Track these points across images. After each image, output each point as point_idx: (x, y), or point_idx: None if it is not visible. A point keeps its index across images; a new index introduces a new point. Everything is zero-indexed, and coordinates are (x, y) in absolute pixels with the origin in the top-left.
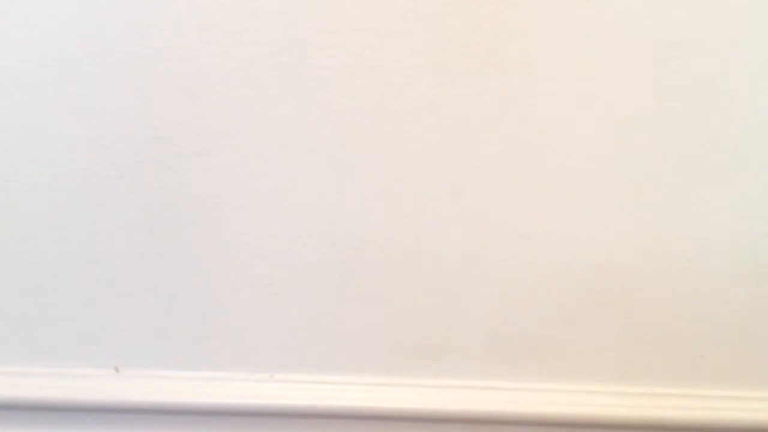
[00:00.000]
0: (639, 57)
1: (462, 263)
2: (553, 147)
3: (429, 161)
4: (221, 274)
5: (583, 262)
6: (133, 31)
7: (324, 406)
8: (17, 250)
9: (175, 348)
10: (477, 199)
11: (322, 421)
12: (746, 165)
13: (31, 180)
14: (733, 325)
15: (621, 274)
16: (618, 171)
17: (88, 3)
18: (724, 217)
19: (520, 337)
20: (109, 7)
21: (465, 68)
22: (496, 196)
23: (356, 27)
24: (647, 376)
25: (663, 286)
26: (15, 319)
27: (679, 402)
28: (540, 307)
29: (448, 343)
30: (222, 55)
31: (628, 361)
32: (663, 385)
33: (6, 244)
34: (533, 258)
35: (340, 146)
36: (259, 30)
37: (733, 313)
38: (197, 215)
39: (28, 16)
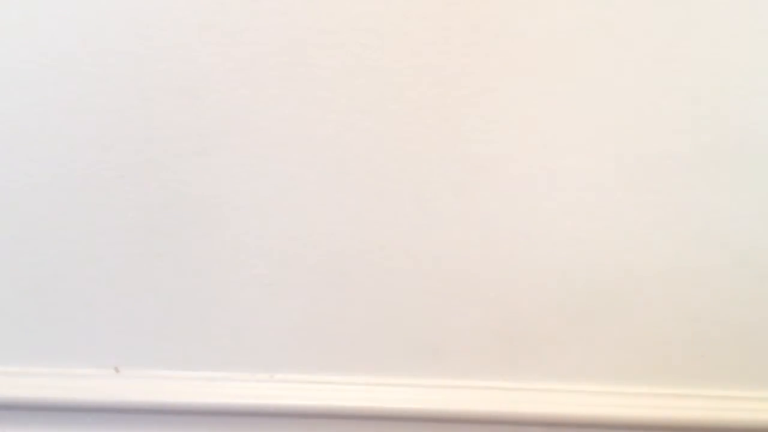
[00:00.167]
0: (639, 57)
1: (462, 263)
2: (553, 147)
3: (429, 161)
4: (221, 274)
5: (583, 262)
6: (133, 31)
7: (324, 406)
8: (17, 250)
9: (175, 348)
10: (477, 199)
11: (322, 421)
12: (746, 165)
13: (31, 180)
14: (733, 325)
15: (621, 274)
16: (618, 171)
17: (88, 3)
18: (724, 216)
19: (520, 337)
20: (109, 7)
21: (465, 68)
22: (496, 196)
23: (356, 27)
24: (647, 376)
25: (663, 286)
26: (15, 319)
27: (679, 402)
28: (540, 307)
29: (448, 343)
30: (222, 55)
31: (628, 361)
32: (663, 385)
33: (6, 244)
34: (533, 258)
35: (340, 146)
36: (259, 30)
37: (733, 313)
38: (197, 215)
39: (28, 16)
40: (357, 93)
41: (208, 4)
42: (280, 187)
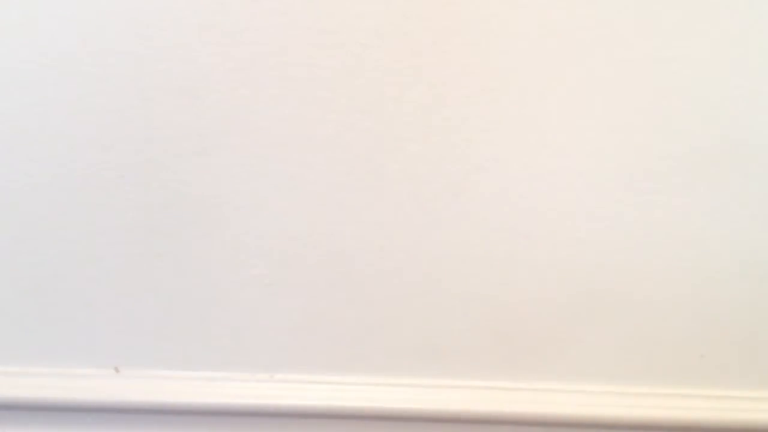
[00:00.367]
0: (639, 57)
1: (462, 263)
2: (553, 147)
3: (429, 161)
4: (221, 274)
5: (583, 262)
6: (133, 31)
7: (324, 406)
8: (17, 250)
9: (175, 348)
10: (477, 199)
11: (322, 421)
12: (746, 165)
13: (31, 180)
14: (733, 325)
15: (621, 274)
16: (618, 171)
17: (88, 3)
18: (724, 217)
19: (520, 337)
20: (109, 7)
21: (465, 68)
22: (496, 196)
23: (356, 27)
24: (647, 376)
25: (663, 286)
26: (15, 319)
27: (679, 402)
28: (540, 307)
29: (448, 343)
30: (222, 55)
31: (628, 361)
32: (663, 385)
33: (6, 244)
34: (533, 258)
35: (340, 146)
36: (259, 30)
37: (733, 313)
38: (197, 215)
39: (28, 16)
40: (357, 93)
41: (208, 4)
42: (280, 187)
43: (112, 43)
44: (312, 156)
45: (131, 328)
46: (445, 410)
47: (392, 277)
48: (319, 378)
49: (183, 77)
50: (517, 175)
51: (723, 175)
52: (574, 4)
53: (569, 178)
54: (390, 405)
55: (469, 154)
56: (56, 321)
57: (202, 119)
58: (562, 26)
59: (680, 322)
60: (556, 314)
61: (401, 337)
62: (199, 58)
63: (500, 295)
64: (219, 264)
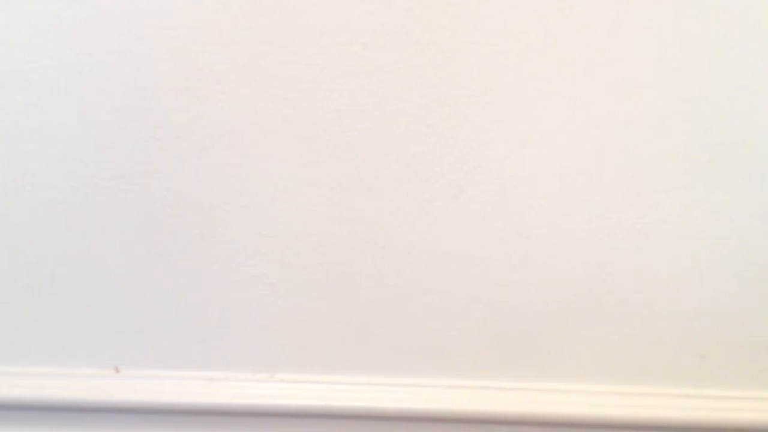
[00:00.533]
0: (640, 57)
1: (462, 263)
2: (553, 147)
3: (429, 161)
4: (221, 274)
5: (583, 262)
6: (133, 31)
7: (324, 406)
8: (17, 250)
9: (175, 348)
10: (477, 199)
11: (322, 421)
12: (746, 165)
13: (31, 180)
14: (733, 325)
15: (621, 274)
16: (618, 171)
17: (88, 3)
18: (724, 217)
19: (520, 337)
20: (110, 7)
21: (465, 68)
22: (496, 196)
23: (356, 27)
24: (647, 376)
25: (663, 286)
26: (15, 319)
27: (679, 402)
28: (540, 307)
29: (448, 343)
30: (222, 55)
31: (628, 361)
32: (663, 385)
33: (6, 244)
34: (533, 258)
35: (340, 146)
36: (259, 30)
37: (733, 313)
38: (197, 215)
39: (28, 16)
40: (357, 93)
41: (208, 4)
42: (280, 187)
43: (112, 43)
44: (312, 156)
45: (131, 328)
46: (445, 410)
47: (392, 277)
48: (319, 378)
49: (183, 77)
50: (517, 175)
51: (723, 175)
52: (574, 4)
53: (569, 178)
54: (390, 405)
55: (469, 154)
56: (56, 321)
57: (202, 119)
58: (562, 26)
59: (680, 322)
60: (555, 314)
61: (401, 337)
62: (199, 58)
63: (500, 295)
64: (219, 264)
